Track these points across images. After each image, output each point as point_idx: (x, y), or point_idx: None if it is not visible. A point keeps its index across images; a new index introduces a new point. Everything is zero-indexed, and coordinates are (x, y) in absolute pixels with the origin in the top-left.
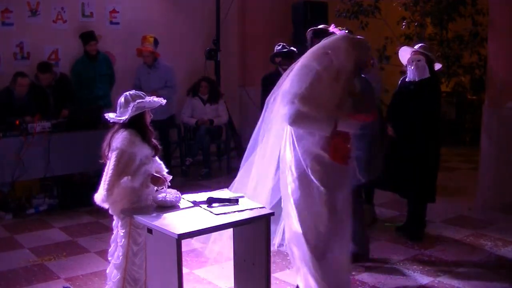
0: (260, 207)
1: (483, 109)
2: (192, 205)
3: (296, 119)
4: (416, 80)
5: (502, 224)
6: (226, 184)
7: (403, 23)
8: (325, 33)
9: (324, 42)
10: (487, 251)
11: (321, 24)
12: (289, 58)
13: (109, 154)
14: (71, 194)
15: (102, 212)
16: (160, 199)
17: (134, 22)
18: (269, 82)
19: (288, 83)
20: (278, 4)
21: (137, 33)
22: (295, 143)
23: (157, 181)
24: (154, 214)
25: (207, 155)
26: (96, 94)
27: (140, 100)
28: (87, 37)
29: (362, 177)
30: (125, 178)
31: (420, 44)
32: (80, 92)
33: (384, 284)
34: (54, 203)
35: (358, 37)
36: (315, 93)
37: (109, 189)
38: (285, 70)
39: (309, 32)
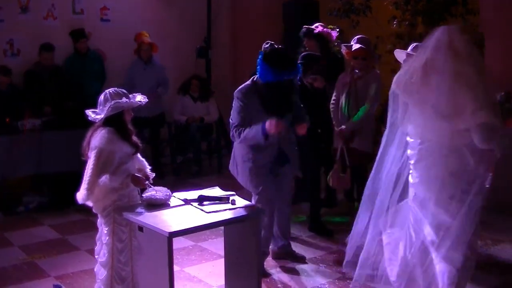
0: (251, 205)
1: None
2: (183, 203)
3: (489, 137)
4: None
5: (494, 223)
6: (217, 182)
7: (394, 22)
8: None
9: (439, 41)
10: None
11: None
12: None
13: (89, 153)
14: (61, 192)
15: (88, 210)
16: (148, 197)
17: (125, 19)
18: None
19: (438, 99)
20: (269, 3)
21: (128, 30)
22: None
23: (137, 181)
24: (145, 212)
25: (197, 153)
26: (86, 92)
27: (118, 100)
28: (78, 34)
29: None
30: (103, 177)
31: (414, 45)
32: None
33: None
34: (45, 201)
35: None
36: (486, 102)
37: (89, 188)
38: None
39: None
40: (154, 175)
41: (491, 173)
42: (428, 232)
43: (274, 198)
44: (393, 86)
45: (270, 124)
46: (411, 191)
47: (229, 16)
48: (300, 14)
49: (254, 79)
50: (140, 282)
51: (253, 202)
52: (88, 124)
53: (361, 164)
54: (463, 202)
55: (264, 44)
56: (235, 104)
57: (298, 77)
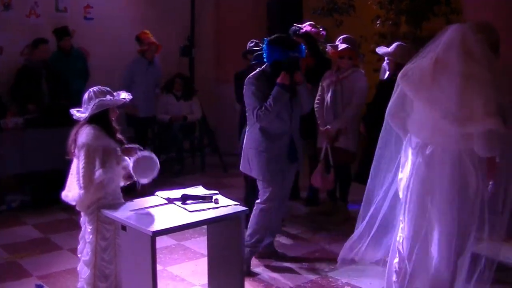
0: (234, 204)
1: None
2: (166, 202)
3: (494, 146)
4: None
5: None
6: (200, 181)
7: (378, 22)
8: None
9: (451, 39)
10: None
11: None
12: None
13: (76, 151)
14: (44, 191)
15: (71, 209)
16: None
17: (108, 17)
18: (242, 79)
19: (448, 100)
20: (253, 1)
21: (111, 29)
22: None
23: (129, 151)
24: (128, 211)
25: (180, 151)
26: (70, 90)
27: (102, 98)
28: (61, 32)
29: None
30: (97, 173)
31: (396, 44)
32: None
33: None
34: (27, 199)
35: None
36: (496, 108)
37: (86, 187)
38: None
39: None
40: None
41: (491, 181)
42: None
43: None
44: (399, 79)
45: (281, 77)
46: (409, 193)
47: (213, 14)
48: (284, 13)
49: (262, 68)
50: (123, 281)
51: (262, 196)
52: (73, 122)
53: (346, 163)
54: (462, 208)
55: (249, 43)
56: (249, 90)
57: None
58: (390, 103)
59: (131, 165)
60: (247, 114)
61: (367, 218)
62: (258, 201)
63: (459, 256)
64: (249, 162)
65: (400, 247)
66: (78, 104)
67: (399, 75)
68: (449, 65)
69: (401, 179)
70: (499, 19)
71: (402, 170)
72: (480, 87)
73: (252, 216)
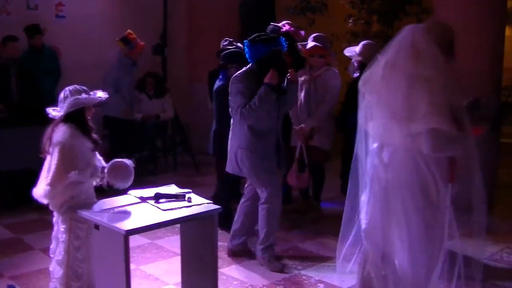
0: (207, 203)
1: None
2: (139, 201)
3: (439, 146)
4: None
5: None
6: (173, 180)
7: (350, 21)
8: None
9: (402, 40)
10: None
11: (269, 19)
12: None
13: (50, 149)
14: (16, 191)
15: (47, 209)
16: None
17: (80, 15)
18: (215, 77)
19: (396, 100)
20: (226, 0)
21: (83, 27)
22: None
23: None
24: (101, 210)
25: (153, 150)
26: (41, 89)
27: (77, 96)
28: (32, 30)
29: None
30: (72, 173)
31: (364, 42)
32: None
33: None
34: None
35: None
36: (442, 108)
37: (52, 184)
38: (232, 67)
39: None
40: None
41: (450, 182)
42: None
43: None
44: (359, 84)
45: (269, 76)
46: (371, 197)
47: (185, 13)
48: (257, 12)
49: (248, 67)
50: (96, 280)
51: (262, 197)
52: (45, 121)
53: (320, 162)
54: (417, 214)
55: (223, 41)
56: (235, 88)
57: None
58: (359, 115)
59: (106, 169)
60: (231, 112)
61: (351, 238)
62: (260, 202)
63: (432, 259)
64: (238, 163)
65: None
66: (49, 102)
67: (360, 82)
68: (399, 66)
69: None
70: (469, 19)
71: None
72: (426, 87)
73: (260, 219)
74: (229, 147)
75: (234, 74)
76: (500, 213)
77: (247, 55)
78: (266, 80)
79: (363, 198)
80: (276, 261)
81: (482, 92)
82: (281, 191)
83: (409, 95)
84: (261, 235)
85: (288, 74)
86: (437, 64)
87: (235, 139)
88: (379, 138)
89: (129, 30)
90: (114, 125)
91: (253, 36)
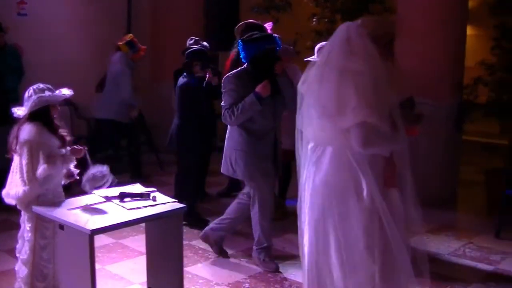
0: (172, 202)
1: None
2: (104, 200)
3: (369, 141)
4: None
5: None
6: (137, 179)
7: (314, 19)
8: (258, 28)
9: (337, 37)
10: None
11: (234, 18)
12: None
13: (17, 148)
14: None
15: (11, 209)
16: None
17: (43, 13)
18: (181, 76)
19: (328, 97)
20: None
21: (46, 26)
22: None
23: (76, 151)
24: (66, 210)
25: (117, 150)
26: (4, 87)
27: (41, 95)
28: None
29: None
30: (41, 168)
31: (320, 45)
32: None
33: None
34: None
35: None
36: (372, 102)
37: (31, 181)
38: (196, 65)
39: (240, 25)
40: (78, 171)
41: (389, 187)
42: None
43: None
44: (299, 87)
45: (262, 86)
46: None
47: (149, 12)
48: (220, 10)
49: (244, 67)
50: (61, 280)
51: (254, 197)
52: (9, 120)
53: (286, 162)
54: (361, 215)
55: (189, 40)
56: (225, 87)
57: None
58: (299, 117)
59: (85, 177)
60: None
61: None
62: (252, 203)
63: (385, 263)
64: (232, 164)
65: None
66: (13, 101)
67: (299, 84)
68: (332, 63)
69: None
70: (431, 18)
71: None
72: (356, 80)
73: (253, 221)
74: (224, 148)
75: (198, 72)
76: (463, 209)
77: (241, 55)
78: (257, 89)
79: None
80: (270, 262)
81: (444, 91)
82: (273, 193)
83: (339, 90)
84: (256, 236)
85: (275, 68)
86: (370, 58)
87: (231, 140)
88: (314, 138)
89: (130, 34)
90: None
91: (246, 36)
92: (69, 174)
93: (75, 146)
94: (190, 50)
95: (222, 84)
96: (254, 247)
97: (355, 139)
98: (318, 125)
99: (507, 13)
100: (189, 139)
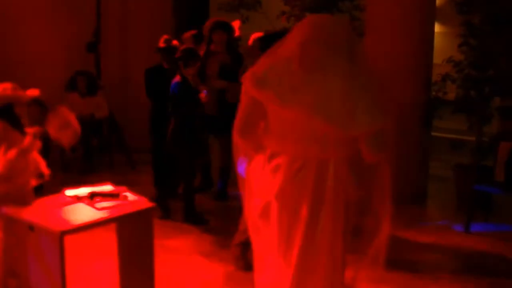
0: (143, 201)
1: None
2: (74, 200)
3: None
4: None
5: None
6: (108, 179)
7: (283, 17)
8: (226, 26)
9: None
10: None
11: (203, 16)
12: (171, 53)
13: None
14: None
15: None
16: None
17: (8, 10)
18: (153, 75)
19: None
20: None
21: (11, 22)
22: None
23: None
24: (35, 210)
25: (88, 149)
26: None
27: (3, 94)
28: None
29: None
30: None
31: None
32: None
33: None
34: None
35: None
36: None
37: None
38: (168, 63)
39: (208, 23)
40: (48, 171)
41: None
42: None
43: None
44: (251, 86)
45: None
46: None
47: (119, 9)
48: (190, 8)
49: None
50: (32, 281)
51: None
52: None
53: None
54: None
55: (163, 38)
56: None
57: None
58: (237, 119)
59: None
60: None
61: None
62: None
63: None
64: None
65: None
66: None
67: (249, 80)
68: (319, 62)
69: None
70: (400, 15)
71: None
72: (362, 84)
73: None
74: None
75: (189, 72)
76: (433, 205)
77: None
78: None
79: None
80: (241, 260)
81: (413, 88)
82: None
83: (346, 92)
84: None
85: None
86: (362, 56)
87: None
88: (279, 148)
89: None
90: None
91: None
92: (40, 174)
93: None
94: (186, 49)
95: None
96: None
97: (370, 148)
98: (298, 131)
99: (473, 11)
100: (188, 141)
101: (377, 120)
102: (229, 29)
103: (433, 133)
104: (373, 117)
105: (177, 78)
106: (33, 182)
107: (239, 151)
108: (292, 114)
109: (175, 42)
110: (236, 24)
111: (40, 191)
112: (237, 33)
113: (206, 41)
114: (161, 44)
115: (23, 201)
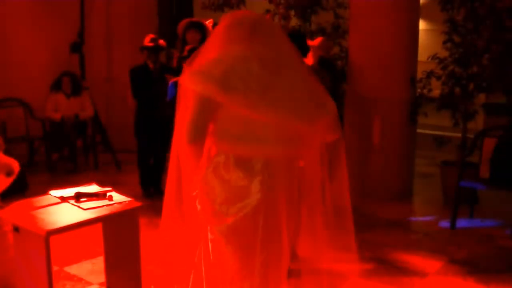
0: (129, 200)
1: (345, 99)
2: (60, 200)
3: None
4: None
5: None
6: (93, 179)
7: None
8: (199, 26)
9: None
10: None
11: (187, 15)
12: (157, 52)
13: None
14: None
15: None
16: None
17: None
18: (137, 75)
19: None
20: None
21: None
22: None
23: None
24: (20, 211)
25: (73, 150)
26: None
27: None
28: None
29: None
30: None
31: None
32: None
33: None
34: None
35: None
36: None
37: None
38: (154, 63)
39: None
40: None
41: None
42: None
43: None
44: (200, 83)
45: None
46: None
47: (103, 9)
48: (174, 8)
49: None
50: (18, 283)
51: None
52: None
53: None
54: None
55: (147, 37)
56: None
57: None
58: (188, 124)
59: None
60: None
61: None
62: None
63: None
64: None
65: None
66: None
67: (193, 78)
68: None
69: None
70: (384, 13)
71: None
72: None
73: None
74: None
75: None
76: (419, 202)
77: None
78: None
79: None
80: None
81: (398, 85)
82: None
83: (307, 86)
84: None
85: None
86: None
87: None
88: (247, 150)
89: None
90: None
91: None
92: (8, 171)
93: None
94: (192, 49)
95: None
96: None
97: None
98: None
99: (455, 8)
100: None
101: (331, 108)
102: (203, 29)
103: (418, 130)
104: (328, 106)
105: (175, 79)
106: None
107: (189, 160)
108: (260, 117)
109: (161, 42)
110: (209, 23)
111: (25, 191)
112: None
113: (180, 41)
114: (148, 43)
115: None
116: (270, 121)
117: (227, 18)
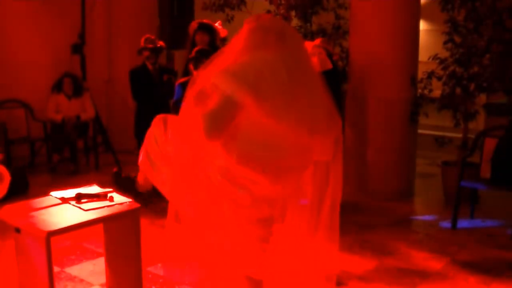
0: (129, 201)
1: (346, 99)
2: (61, 202)
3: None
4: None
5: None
6: (95, 180)
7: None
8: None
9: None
10: None
11: (188, 16)
12: (157, 53)
13: None
14: None
15: None
16: None
17: None
18: (137, 76)
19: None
20: None
21: None
22: None
23: None
24: (22, 212)
25: (74, 151)
26: None
27: None
28: None
29: None
30: None
31: (319, 38)
32: None
33: None
34: None
35: None
36: None
37: None
38: (153, 64)
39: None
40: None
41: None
42: None
43: None
44: (232, 82)
45: None
46: None
47: (104, 10)
48: (175, 9)
49: None
50: (19, 284)
51: None
52: None
53: None
54: None
55: (145, 39)
56: None
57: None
58: (210, 120)
59: None
60: None
61: None
62: None
63: None
64: None
65: None
66: None
67: (225, 78)
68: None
69: None
70: (385, 13)
71: None
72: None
73: None
74: None
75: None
76: (420, 202)
77: None
78: None
79: None
80: None
81: (398, 85)
82: None
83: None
84: None
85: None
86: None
87: None
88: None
89: None
90: None
91: None
92: None
93: None
94: (200, 50)
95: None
96: None
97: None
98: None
99: (456, 8)
100: None
101: (338, 126)
102: (211, 31)
103: (419, 131)
104: (336, 120)
105: (182, 80)
106: None
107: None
108: (281, 127)
109: (161, 43)
110: (219, 25)
111: (26, 192)
112: (222, 34)
113: (190, 43)
114: (148, 44)
115: None
116: (289, 132)
117: (252, 21)
